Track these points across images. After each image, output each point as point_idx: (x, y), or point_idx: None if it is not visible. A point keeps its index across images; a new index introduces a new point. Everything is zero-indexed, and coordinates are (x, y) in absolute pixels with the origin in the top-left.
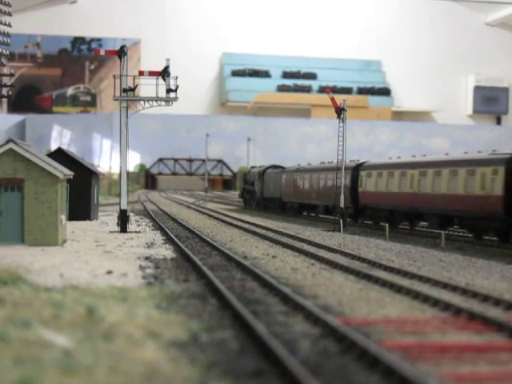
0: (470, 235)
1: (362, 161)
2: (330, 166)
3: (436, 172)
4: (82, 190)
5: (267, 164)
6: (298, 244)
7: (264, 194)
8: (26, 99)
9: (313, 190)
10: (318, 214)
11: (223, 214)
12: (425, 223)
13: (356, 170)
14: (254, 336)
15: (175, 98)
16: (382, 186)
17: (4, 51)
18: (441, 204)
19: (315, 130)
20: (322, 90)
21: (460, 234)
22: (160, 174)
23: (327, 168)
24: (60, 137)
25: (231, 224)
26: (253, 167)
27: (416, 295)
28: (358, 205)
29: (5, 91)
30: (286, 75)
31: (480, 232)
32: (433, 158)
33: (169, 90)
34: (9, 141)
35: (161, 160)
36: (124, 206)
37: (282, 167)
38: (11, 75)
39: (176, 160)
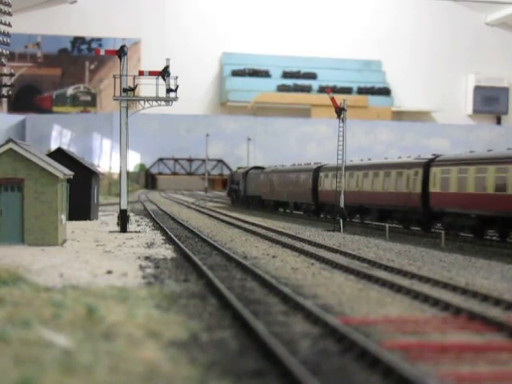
0: (471, 235)
1: (322, 163)
2: (299, 168)
3: (375, 173)
4: (82, 189)
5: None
6: (298, 244)
7: (247, 193)
8: (26, 99)
9: (284, 189)
10: (289, 210)
11: (223, 214)
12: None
13: (316, 171)
14: (253, 336)
15: (175, 98)
16: (336, 185)
17: (4, 51)
18: (379, 200)
19: (315, 130)
20: (322, 89)
21: (459, 234)
22: (160, 173)
23: (296, 169)
24: (60, 137)
25: (231, 224)
26: (239, 168)
27: (416, 295)
28: (318, 202)
29: (5, 91)
30: (286, 75)
31: (407, 223)
32: (373, 161)
33: (169, 90)
34: (9, 141)
35: (161, 160)
36: (124, 206)
37: (263, 168)
38: (11, 75)
39: (176, 160)
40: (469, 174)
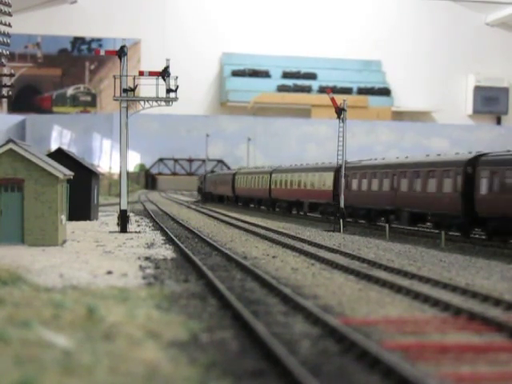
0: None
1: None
2: (228, 172)
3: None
4: (82, 190)
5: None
6: (298, 244)
7: (205, 190)
8: (26, 99)
9: (217, 186)
10: (219, 200)
11: (223, 214)
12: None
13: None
14: (254, 336)
15: (175, 98)
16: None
17: (4, 51)
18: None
19: (315, 130)
20: (322, 90)
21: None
22: (160, 174)
23: (226, 173)
24: (60, 137)
25: (231, 224)
26: (212, 171)
27: (416, 295)
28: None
29: (5, 91)
30: (286, 75)
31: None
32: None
33: (169, 90)
34: (9, 141)
35: (161, 160)
36: (124, 206)
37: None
38: (11, 75)
39: (176, 160)
40: None
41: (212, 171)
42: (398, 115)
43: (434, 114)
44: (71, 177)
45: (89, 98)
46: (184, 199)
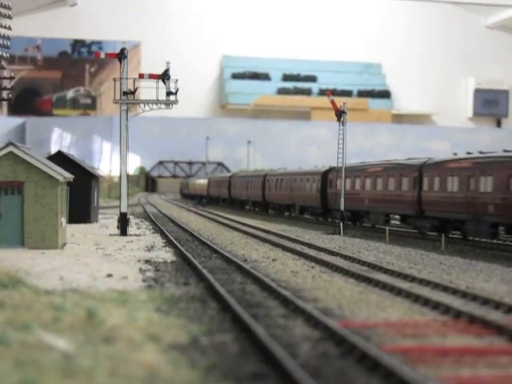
0: (471, 238)
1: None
2: (224, 175)
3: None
4: (82, 192)
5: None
6: (298, 247)
7: (182, 192)
8: (26, 102)
9: (189, 188)
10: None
11: (222, 217)
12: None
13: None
14: (254, 339)
15: (175, 101)
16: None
17: (4, 54)
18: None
19: (315, 133)
20: (322, 92)
21: (457, 236)
22: (160, 176)
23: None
24: (60, 140)
25: (231, 226)
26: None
27: (416, 298)
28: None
29: (5, 94)
30: (286, 78)
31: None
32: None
33: (169, 93)
34: (9, 144)
35: (161, 163)
36: (124, 209)
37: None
38: (11, 78)
39: (176, 163)
40: None
41: (189, 176)
42: (398, 118)
43: (434, 117)
44: (71, 179)
45: (89, 101)
46: (184, 202)
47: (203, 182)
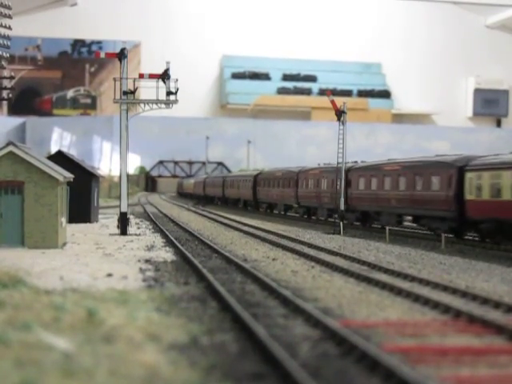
0: (471, 238)
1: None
2: (219, 175)
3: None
4: (82, 192)
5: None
6: (298, 246)
7: (179, 191)
8: (26, 102)
9: (183, 188)
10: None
11: (222, 216)
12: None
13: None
14: (254, 339)
15: (175, 101)
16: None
17: (4, 54)
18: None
19: (315, 133)
20: (322, 92)
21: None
22: (160, 176)
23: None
24: (60, 139)
25: (231, 226)
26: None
27: (416, 298)
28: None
29: (5, 94)
30: (286, 78)
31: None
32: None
33: (169, 93)
34: (9, 143)
35: (161, 162)
36: (124, 209)
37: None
38: (11, 78)
39: (176, 162)
40: None
41: (189, 175)
42: (398, 117)
43: (434, 117)
44: (71, 179)
45: (89, 101)
46: (184, 201)
47: (192, 181)
